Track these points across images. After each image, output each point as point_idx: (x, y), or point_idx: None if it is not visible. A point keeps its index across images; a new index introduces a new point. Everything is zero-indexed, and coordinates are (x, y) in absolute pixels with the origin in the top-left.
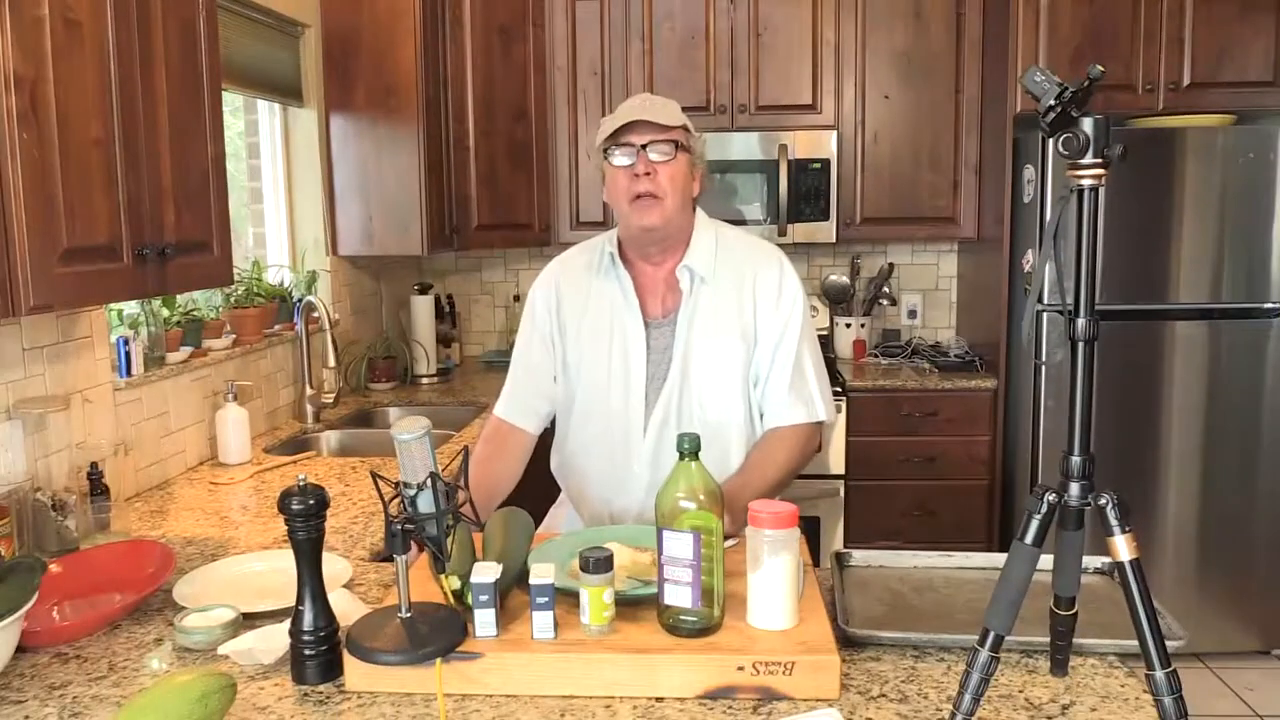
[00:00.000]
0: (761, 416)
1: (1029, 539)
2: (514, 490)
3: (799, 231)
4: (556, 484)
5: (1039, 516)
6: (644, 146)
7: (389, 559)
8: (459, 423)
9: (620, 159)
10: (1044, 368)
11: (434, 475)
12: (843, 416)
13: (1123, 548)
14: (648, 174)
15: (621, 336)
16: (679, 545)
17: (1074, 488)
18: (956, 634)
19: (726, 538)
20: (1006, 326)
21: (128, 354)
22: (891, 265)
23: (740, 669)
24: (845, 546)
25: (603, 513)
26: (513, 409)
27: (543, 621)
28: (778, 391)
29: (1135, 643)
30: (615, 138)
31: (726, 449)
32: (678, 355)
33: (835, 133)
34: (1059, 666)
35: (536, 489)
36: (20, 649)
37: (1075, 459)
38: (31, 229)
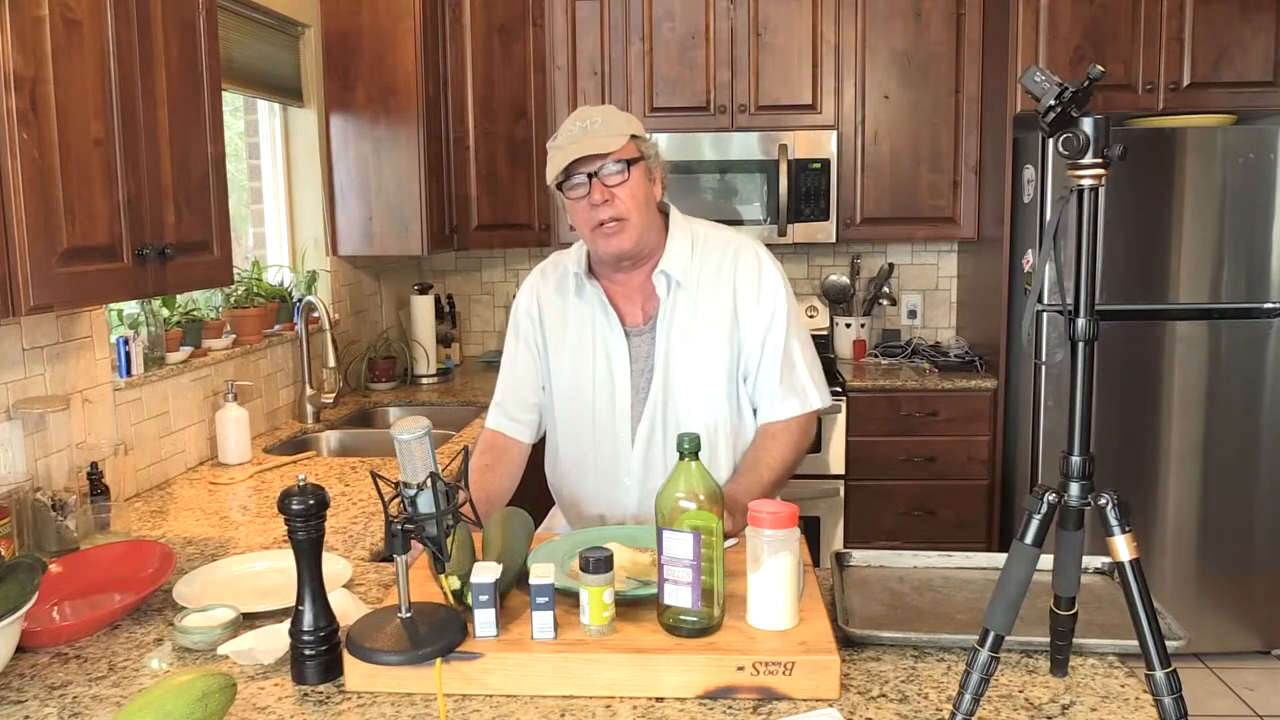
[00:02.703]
0: (755, 412)
1: (1029, 539)
2: (514, 494)
3: (799, 231)
4: None
5: (1039, 516)
6: (595, 174)
7: (389, 559)
8: (459, 423)
9: (574, 191)
10: (1044, 368)
11: (434, 475)
12: (842, 416)
13: (1123, 548)
14: (606, 201)
15: (604, 350)
16: (679, 545)
17: (1074, 488)
18: (956, 634)
19: (726, 537)
20: (1006, 326)
21: (128, 354)
22: (891, 265)
23: (740, 669)
24: (845, 546)
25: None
26: (504, 420)
27: (543, 621)
28: (769, 386)
29: (1135, 643)
30: (564, 169)
31: (713, 453)
32: (659, 364)
33: (835, 133)
34: (1059, 666)
35: (536, 491)
36: (20, 649)
37: (1075, 459)
38: (31, 229)
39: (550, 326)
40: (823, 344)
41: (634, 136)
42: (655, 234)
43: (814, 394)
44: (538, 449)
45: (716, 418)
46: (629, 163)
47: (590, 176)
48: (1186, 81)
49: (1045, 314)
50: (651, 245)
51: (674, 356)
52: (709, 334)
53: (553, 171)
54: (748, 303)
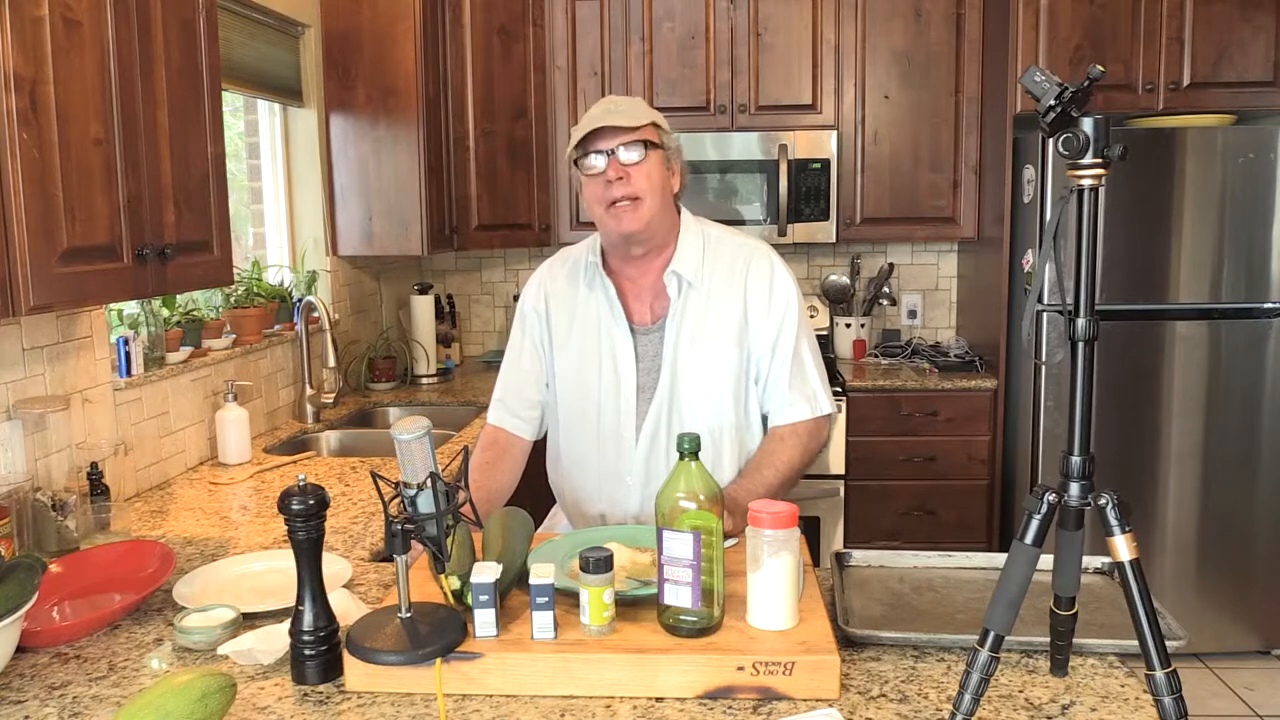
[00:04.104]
0: (764, 416)
1: (1029, 539)
2: (514, 492)
3: (799, 231)
4: None
5: (1039, 516)
6: (613, 150)
7: (389, 559)
8: (459, 423)
9: (591, 167)
10: (1044, 368)
11: (434, 475)
12: (843, 416)
13: (1123, 548)
14: (620, 178)
15: (610, 348)
16: (679, 545)
17: (1074, 488)
18: (956, 634)
19: (727, 537)
20: (1006, 326)
21: (128, 354)
22: (891, 265)
23: (740, 669)
24: (845, 546)
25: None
26: (506, 417)
27: (543, 621)
28: (779, 390)
29: (1135, 643)
30: (583, 146)
31: (718, 456)
32: (666, 364)
33: (835, 133)
34: (1059, 666)
35: (537, 490)
36: (20, 649)
37: (1075, 459)
38: (31, 229)
39: (556, 322)
40: (823, 344)
41: (656, 125)
42: (668, 225)
43: (823, 400)
44: (538, 447)
45: (722, 420)
46: (646, 144)
47: (608, 155)
48: (1186, 81)
49: (1045, 314)
50: (663, 235)
51: (682, 357)
52: (718, 337)
53: (574, 140)
54: (759, 308)
